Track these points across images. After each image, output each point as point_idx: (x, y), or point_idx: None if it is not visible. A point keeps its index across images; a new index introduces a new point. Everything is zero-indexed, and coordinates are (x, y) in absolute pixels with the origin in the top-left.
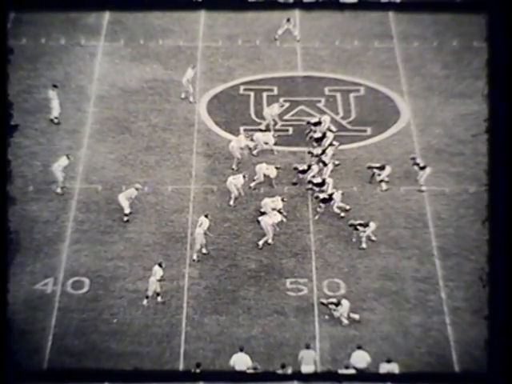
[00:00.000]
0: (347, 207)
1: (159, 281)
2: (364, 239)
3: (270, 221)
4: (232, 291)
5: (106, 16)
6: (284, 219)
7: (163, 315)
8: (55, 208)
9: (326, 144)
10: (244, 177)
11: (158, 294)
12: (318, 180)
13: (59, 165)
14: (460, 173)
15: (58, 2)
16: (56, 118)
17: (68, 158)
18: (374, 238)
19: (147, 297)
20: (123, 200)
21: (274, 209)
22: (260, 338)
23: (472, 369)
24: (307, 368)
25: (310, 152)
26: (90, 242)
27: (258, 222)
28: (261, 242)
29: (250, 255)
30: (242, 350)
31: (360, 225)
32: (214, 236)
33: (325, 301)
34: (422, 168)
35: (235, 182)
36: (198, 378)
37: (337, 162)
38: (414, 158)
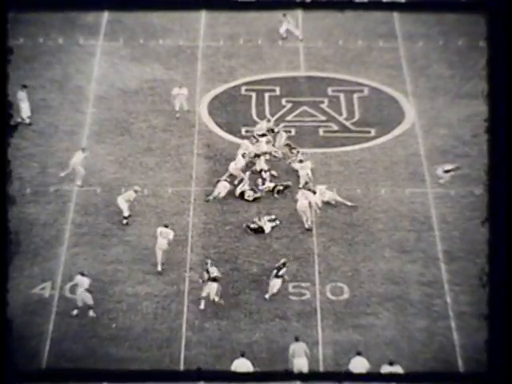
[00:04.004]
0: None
1: (88, 291)
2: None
3: (305, 202)
4: (233, 295)
5: (105, 15)
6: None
7: (163, 320)
8: (53, 210)
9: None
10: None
11: (89, 308)
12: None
13: (76, 160)
14: (465, 174)
15: (56, 1)
16: (22, 119)
17: (83, 151)
18: (287, 277)
19: (77, 308)
20: (122, 202)
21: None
22: (262, 343)
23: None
24: (300, 361)
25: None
26: (88, 245)
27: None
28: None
29: (252, 259)
30: (243, 355)
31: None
32: (216, 239)
33: (208, 265)
34: None
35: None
36: (198, 378)
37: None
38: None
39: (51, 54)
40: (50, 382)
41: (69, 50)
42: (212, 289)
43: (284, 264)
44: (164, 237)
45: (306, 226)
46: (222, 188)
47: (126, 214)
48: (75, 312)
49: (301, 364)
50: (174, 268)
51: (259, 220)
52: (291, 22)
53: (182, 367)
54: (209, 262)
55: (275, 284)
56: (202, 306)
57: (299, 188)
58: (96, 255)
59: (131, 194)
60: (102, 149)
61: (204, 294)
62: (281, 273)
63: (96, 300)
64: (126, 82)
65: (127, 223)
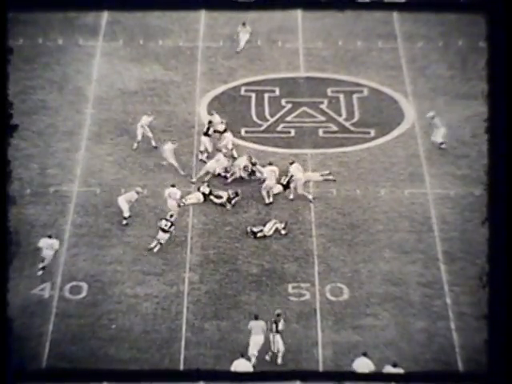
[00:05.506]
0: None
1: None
2: None
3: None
4: (233, 296)
5: (105, 16)
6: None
7: (163, 320)
8: (53, 211)
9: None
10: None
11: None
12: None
13: (169, 149)
14: (465, 175)
15: (55, 1)
16: None
17: (173, 142)
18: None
19: (44, 268)
20: (123, 203)
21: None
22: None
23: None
24: (257, 338)
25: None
26: (88, 245)
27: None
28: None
29: (252, 259)
30: (242, 355)
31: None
32: (216, 240)
33: (167, 217)
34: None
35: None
36: (197, 378)
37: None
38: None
39: (50, 55)
40: (50, 382)
41: (68, 50)
42: (162, 238)
43: (279, 315)
44: (173, 198)
45: (267, 201)
46: (194, 198)
47: (126, 214)
48: (41, 265)
49: (257, 341)
50: (173, 269)
51: (265, 227)
52: (247, 32)
53: (181, 368)
54: (169, 214)
55: (278, 341)
56: (154, 249)
57: (269, 164)
58: (96, 256)
59: (133, 194)
60: (101, 149)
61: (156, 241)
62: (280, 327)
63: (95, 301)
64: (126, 83)
65: (127, 224)
